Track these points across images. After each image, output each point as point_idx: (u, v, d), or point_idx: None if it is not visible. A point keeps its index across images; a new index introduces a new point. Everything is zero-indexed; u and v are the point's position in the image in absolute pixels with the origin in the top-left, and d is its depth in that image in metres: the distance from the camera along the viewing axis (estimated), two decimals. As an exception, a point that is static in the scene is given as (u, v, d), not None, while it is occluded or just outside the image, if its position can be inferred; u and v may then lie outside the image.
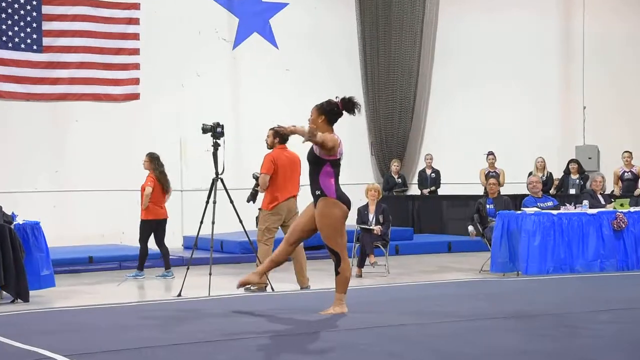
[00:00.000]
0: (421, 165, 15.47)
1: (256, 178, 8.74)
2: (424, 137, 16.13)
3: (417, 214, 14.83)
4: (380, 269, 10.23)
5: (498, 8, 15.25)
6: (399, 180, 15.18)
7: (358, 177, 15.24)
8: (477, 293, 7.54)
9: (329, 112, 6.58)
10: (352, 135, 15.79)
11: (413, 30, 15.55)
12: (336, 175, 6.26)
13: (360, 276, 10.01)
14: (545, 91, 15.01)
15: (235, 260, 11.75)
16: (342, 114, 6.62)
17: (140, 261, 10.16)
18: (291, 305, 6.98)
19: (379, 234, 10.10)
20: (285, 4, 15.12)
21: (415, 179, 15.49)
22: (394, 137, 15.86)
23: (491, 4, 15.32)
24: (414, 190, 15.52)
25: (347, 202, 6.27)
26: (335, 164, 6.29)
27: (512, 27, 15.11)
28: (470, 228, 10.45)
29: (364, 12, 15.75)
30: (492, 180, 11.04)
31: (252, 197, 8.80)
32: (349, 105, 6.31)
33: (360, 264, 10.09)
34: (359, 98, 15.57)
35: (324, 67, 15.38)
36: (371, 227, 10.13)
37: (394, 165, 15.19)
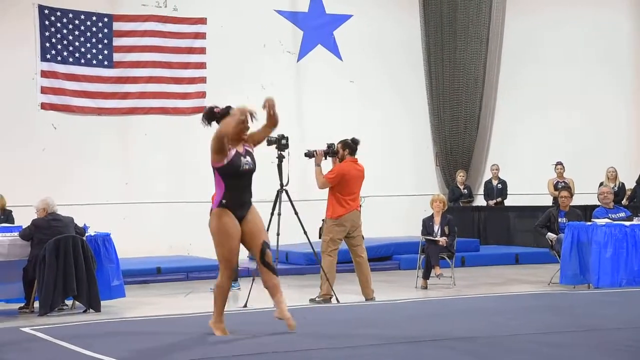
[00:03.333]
0: (487, 175, 15.24)
1: (308, 155, 8.68)
2: (490, 147, 15.89)
3: (484, 225, 14.61)
4: (446, 281, 10.09)
5: (569, 12, 14.93)
6: (465, 191, 14.99)
7: (423, 188, 15.13)
8: (547, 306, 7.35)
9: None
10: (417, 146, 15.73)
11: (479, 37, 15.34)
12: (228, 185, 5.75)
13: (426, 288, 9.91)
14: (617, 98, 14.64)
15: (300, 271, 11.72)
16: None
17: None
18: (356, 317, 6.91)
19: (445, 245, 10.00)
20: (349, 16, 15.13)
21: (481, 190, 15.27)
22: (459, 148, 15.68)
23: (562, 8, 15.01)
24: (479, 201, 15.31)
25: (232, 209, 5.73)
26: (223, 173, 5.77)
27: (583, 33, 14.79)
28: (550, 235, 10.15)
29: (428, 21, 15.64)
30: (564, 193, 10.47)
31: (309, 156, 8.73)
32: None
33: (426, 276, 9.98)
34: (423, 108, 15.69)
35: (388, 77, 15.32)
36: (436, 239, 10.03)
37: (460, 176, 15.02)
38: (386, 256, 12.53)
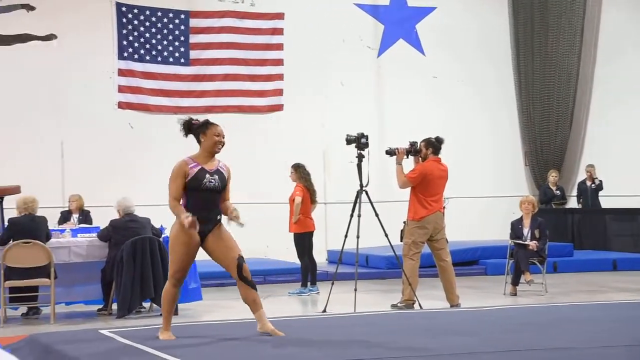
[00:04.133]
0: (581, 176, 14.58)
1: (389, 152, 8.42)
2: (584, 145, 15.19)
3: (577, 229, 13.99)
4: (537, 288, 9.66)
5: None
6: (558, 192, 14.34)
7: (510, 189, 14.59)
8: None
9: None
10: (504, 144, 15.13)
11: (573, 28, 14.70)
12: (191, 198, 5.79)
13: (515, 294, 9.55)
14: None
15: (380, 275, 11.49)
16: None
17: (303, 277, 9.90)
18: (440, 324, 6.59)
19: (535, 249, 9.59)
20: (433, 8, 14.69)
21: (575, 191, 14.59)
22: (550, 146, 15.05)
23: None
24: (573, 203, 14.63)
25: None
26: (186, 186, 5.80)
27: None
28: None
29: (517, 12, 15.05)
30: None
31: (390, 154, 8.44)
32: None
33: (515, 282, 9.59)
34: (512, 104, 15.10)
35: (473, 72, 14.83)
36: (526, 243, 9.60)
37: (552, 176, 14.39)
38: (472, 260, 12.14)
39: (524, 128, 15.22)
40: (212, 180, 5.83)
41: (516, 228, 9.79)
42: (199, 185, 5.77)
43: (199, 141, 5.91)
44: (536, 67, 14.99)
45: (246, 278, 5.87)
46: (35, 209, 8.25)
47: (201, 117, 14.90)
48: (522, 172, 15.35)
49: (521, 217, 9.88)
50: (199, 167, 5.81)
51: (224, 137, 5.90)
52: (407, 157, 8.51)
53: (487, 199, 14.67)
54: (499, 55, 15.07)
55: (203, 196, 5.80)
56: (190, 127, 5.92)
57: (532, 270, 9.53)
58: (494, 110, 15.07)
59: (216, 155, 5.94)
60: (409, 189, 8.45)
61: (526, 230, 9.72)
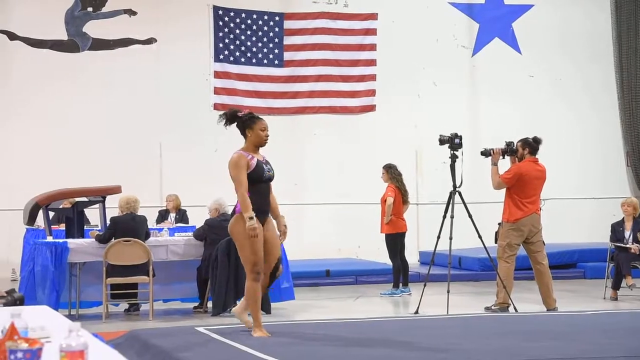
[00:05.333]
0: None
1: (484, 153, 8.27)
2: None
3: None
4: (639, 292, 9.26)
5: None
6: (660, 193, 13.78)
7: (612, 190, 14.09)
8: None
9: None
10: (604, 144, 14.63)
11: (678, 24, 14.08)
12: (253, 191, 5.84)
13: (616, 299, 9.23)
14: None
15: (474, 277, 11.28)
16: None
17: (395, 278, 9.86)
18: (537, 328, 6.41)
19: (637, 253, 9.24)
20: (530, 6, 14.33)
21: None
22: (653, 146, 14.47)
23: None
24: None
25: (256, 214, 5.81)
26: (248, 178, 5.86)
27: None
28: None
29: (620, 8, 14.48)
30: None
31: (485, 154, 8.30)
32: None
33: (616, 286, 9.26)
34: (613, 103, 14.58)
35: (572, 71, 14.38)
36: (628, 246, 9.26)
37: (655, 177, 13.81)
38: (570, 264, 11.78)
39: (626, 128, 14.66)
40: (270, 170, 5.97)
41: (617, 230, 9.46)
42: (261, 176, 5.88)
43: (244, 134, 5.97)
44: (639, 65, 14.45)
45: (275, 278, 6.09)
46: (136, 209, 8.45)
47: (294, 118, 15.11)
48: (624, 172, 14.80)
49: (622, 219, 9.54)
50: (255, 158, 5.88)
51: (268, 131, 6.00)
52: (503, 158, 8.33)
53: (586, 201, 14.23)
54: (599, 52, 14.57)
55: (263, 187, 5.89)
56: (234, 119, 5.97)
57: (634, 274, 9.21)
58: (594, 109, 14.58)
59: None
60: (504, 190, 8.29)
61: (627, 233, 9.39)
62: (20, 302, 3.98)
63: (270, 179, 5.98)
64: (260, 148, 6.00)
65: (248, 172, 5.83)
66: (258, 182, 5.85)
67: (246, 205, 5.76)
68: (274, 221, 6.12)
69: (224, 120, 5.98)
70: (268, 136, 5.98)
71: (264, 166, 5.92)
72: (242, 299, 6.23)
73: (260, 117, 6.08)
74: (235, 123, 5.98)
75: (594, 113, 14.54)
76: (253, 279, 5.85)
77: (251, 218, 5.73)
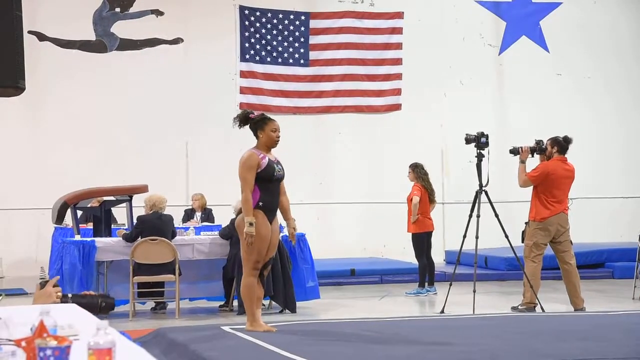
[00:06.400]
0: None
1: (513, 151, 8.22)
2: None
3: None
4: (668, 293, 9.14)
5: None
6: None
7: (638, 189, 13.94)
8: None
9: None
10: (631, 143, 14.47)
11: None
12: (263, 189, 6.01)
13: None
14: None
15: (500, 277, 11.22)
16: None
17: (421, 277, 9.83)
18: (564, 328, 6.36)
19: (666, 253, 9.07)
20: (559, 3, 14.20)
21: None
22: (681, 145, 14.27)
23: None
24: None
25: (266, 212, 6.00)
26: (258, 177, 6.02)
27: None
28: None
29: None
30: None
31: (514, 152, 8.24)
32: None
33: None
34: (638, 102, 14.42)
35: (600, 71, 14.22)
36: (656, 245, 9.11)
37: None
38: (598, 263, 11.67)
39: (653, 126, 14.52)
40: (280, 170, 6.08)
41: (645, 230, 9.37)
42: (271, 175, 5.99)
43: (256, 135, 6.11)
44: (666, 63, 14.28)
45: (263, 276, 6.23)
46: (163, 208, 8.52)
47: (319, 117, 15.14)
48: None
49: (652, 218, 9.45)
50: (266, 158, 6.01)
51: (279, 132, 6.12)
52: (532, 156, 8.27)
53: (614, 200, 14.08)
54: (627, 50, 14.41)
55: (272, 186, 6.02)
56: (246, 120, 6.08)
57: (662, 274, 9.11)
58: (623, 108, 14.43)
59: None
60: (531, 189, 8.23)
61: (657, 232, 9.29)
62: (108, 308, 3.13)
63: (281, 178, 6.09)
64: (272, 149, 6.12)
65: (258, 171, 5.94)
66: (268, 181, 5.97)
67: (248, 208, 5.87)
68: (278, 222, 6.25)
69: (238, 122, 6.13)
70: (279, 137, 6.12)
71: (275, 166, 6.02)
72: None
73: (272, 118, 6.20)
74: (248, 124, 6.12)
75: (620, 111, 14.39)
76: (252, 275, 6.02)
77: (251, 224, 5.80)
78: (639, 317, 7.28)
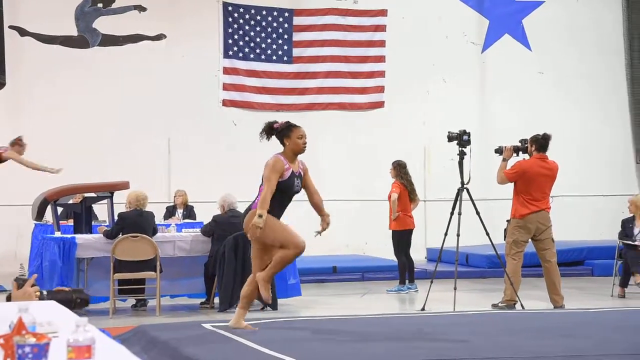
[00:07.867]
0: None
1: (497, 151, 8.28)
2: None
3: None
4: (647, 290, 9.23)
5: None
6: (671, 191, 13.73)
7: (620, 187, 14.04)
8: None
9: None
10: (613, 142, 14.58)
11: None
12: (277, 199, 5.96)
13: (623, 297, 9.18)
14: None
15: (481, 274, 11.25)
16: None
17: (401, 275, 9.85)
18: (543, 325, 6.41)
19: (646, 251, 9.15)
20: (541, 2, 14.27)
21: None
22: (662, 143, 14.41)
23: None
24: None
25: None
26: (277, 187, 5.97)
27: None
28: None
29: (631, 5, 14.39)
30: None
31: (499, 152, 8.29)
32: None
33: (624, 283, 9.22)
34: (624, 100, 14.53)
35: (582, 69, 14.31)
36: (636, 243, 9.20)
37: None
38: (578, 261, 11.75)
39: (636, 124, 14.60)
40: (298, 185, 6.09)
41: (627, 227, 9.37)
42: (290, 190, 6.01)
43: (282, 143, 6.07)
44: (649, 62, 14.40)
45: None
46: (144, 205, 8.48)
47: (303, 115, 15.14)
48: (633, 170, 14.75)
49: (633, 216, 9.47)
50: (290, 170, 6.00)
51: (306, 138, 6.09)
52: (517, 155, 8.32)
53: (595, 198, 14.18)
54: (610, 49, 14.50)
55: (287, 199, 6.06)
56: (272, 131, 6.07)
57: (641, 272, 9.16)
58: (604, 106, 14.53)
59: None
60: (512, 187, 8.26)
61: (637, 230, 9.29)
62: (82, 304, 3.24)
63: (296, 192, 6.11)
64: (298, 155, 6.10)
65: (280, 180, 5.93)
66: (283, 193, 5.96)
67: (264, 204, 5.82)
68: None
69: (264, 135, 6.09)
70: (306, 144, 6.07)
71: (295, 180, 6.01)
72: (237, 307, 6.28)
73: (297, 125, 6.12)
74: (274, 135, 6.09)
75: (603, 110, 14.49)
76: (298, 253, 5.99)
77: (260, 216, 5.77)
78: (617, 314, 7.35)
